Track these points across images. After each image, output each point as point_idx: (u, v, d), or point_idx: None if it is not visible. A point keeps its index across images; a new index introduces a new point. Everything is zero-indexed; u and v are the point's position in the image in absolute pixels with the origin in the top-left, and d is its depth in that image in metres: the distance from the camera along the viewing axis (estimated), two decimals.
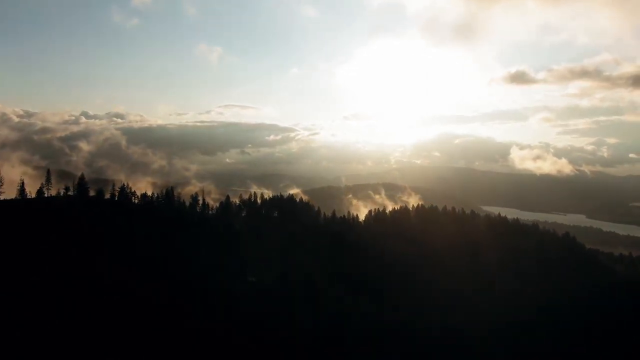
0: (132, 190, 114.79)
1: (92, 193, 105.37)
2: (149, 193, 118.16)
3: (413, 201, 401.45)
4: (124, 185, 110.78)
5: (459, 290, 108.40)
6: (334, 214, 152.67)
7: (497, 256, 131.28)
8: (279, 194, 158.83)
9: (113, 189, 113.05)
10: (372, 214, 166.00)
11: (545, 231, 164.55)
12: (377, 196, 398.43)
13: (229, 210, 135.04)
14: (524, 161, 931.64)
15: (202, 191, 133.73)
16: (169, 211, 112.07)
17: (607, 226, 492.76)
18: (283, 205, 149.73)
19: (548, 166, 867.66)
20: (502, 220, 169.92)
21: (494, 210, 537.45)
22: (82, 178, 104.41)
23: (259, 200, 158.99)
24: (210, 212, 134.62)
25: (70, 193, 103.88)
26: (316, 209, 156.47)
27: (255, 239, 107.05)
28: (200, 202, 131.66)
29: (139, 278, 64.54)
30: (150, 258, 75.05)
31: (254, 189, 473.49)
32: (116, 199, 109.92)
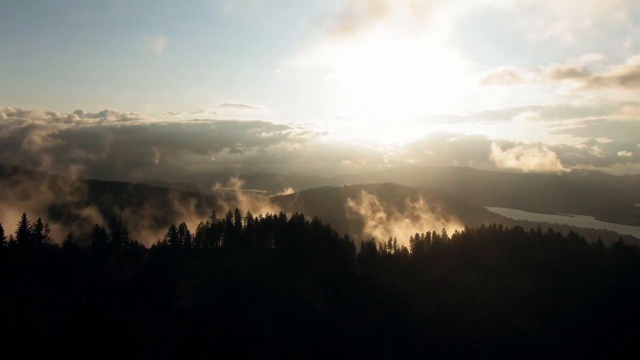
0: None
1: None
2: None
3: (422, 205, 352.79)
4: None
5: None
6: (373, 247, 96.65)
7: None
8: (274, 215, 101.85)
9: None
10: (420, 240, 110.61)
11: None
12: (381, 199, 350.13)
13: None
14: (519, 160, 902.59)
15: (120, 218, 72.62)
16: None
17: (621, 229, 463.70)
18: (284, 233, 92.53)
19: (544, 165, 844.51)
20: (598, 248, 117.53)
21: (499, 211, 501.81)
22: None
23: (243, 222, 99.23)
24: (141, 251, 76.13)
25: None
26: (342, 236, 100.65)
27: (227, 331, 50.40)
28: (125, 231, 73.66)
29: None
30: None
31: (247, 189, 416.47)
32: None
